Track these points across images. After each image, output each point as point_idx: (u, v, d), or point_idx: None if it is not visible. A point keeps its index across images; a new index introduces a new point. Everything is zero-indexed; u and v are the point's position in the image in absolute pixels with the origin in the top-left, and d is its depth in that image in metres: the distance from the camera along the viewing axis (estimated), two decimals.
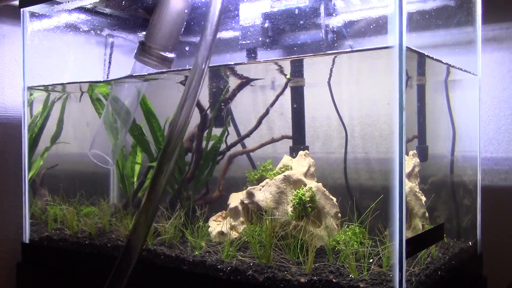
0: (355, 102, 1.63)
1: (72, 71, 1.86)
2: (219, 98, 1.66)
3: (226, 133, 1.65)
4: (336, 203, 1.35)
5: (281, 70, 1.49)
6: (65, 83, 1.75)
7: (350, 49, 1.34)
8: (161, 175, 1.06)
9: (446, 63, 1.35)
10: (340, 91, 1.61)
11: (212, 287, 1.27)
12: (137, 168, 1.85)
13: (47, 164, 1.90)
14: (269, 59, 1.41)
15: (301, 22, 1.46)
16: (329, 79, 1.56)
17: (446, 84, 1.51)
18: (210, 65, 1.15)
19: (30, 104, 1.82)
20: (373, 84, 1.55)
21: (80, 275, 1.55)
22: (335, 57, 1.34)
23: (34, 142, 1.85)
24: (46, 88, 1.84)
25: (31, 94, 1.81)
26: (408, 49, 1.05)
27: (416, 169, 1.38)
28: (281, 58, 1.44)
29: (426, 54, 1.21)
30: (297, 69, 1.48)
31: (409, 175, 1.35)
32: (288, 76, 1.54)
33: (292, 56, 1.41)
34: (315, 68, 1.48)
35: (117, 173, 1.84)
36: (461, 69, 1.45)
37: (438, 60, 1.29)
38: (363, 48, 1.21)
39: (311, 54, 1.37)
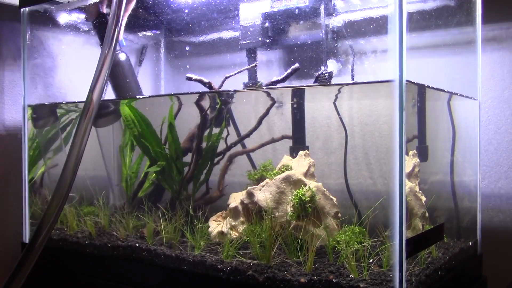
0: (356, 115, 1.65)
1: (72, 72, 1.86)
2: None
3: (227, 133, 1.64)
4: (336, 203, 1.35)
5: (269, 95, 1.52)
6: (66, 102, 1.75)
7: (352, 82, 1.48)
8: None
9: (448, 91, 1.37)
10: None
11: (212, 287, 1.27)
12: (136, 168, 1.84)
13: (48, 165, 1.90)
14: (273, 87, 1.42)
15: (301, 22, 1.47)
16: (335, 100, 1.57)
17: (448, 105, 1.51)
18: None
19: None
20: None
21: (80, 275, 1.55)
22: (341, 87, 1.40)
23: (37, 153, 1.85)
24: (50, 107, 1.83)
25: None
26: (408, 82, 1.06)
27: (416, 169, 1.38)
28: (285, 87, 1.45)
29: (426, 85, 1.22)
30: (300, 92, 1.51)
31: (409, 175, 1.35)
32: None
33: (296, 86, 1.46)
34: (320, 91, 1.51)
35: (120, 172, 1.83)
36: (462, 95, 1.46)
37: (439, 89, 1.30)
38: (364, 81, 1.40)
39: (316, 84, 1.42)
